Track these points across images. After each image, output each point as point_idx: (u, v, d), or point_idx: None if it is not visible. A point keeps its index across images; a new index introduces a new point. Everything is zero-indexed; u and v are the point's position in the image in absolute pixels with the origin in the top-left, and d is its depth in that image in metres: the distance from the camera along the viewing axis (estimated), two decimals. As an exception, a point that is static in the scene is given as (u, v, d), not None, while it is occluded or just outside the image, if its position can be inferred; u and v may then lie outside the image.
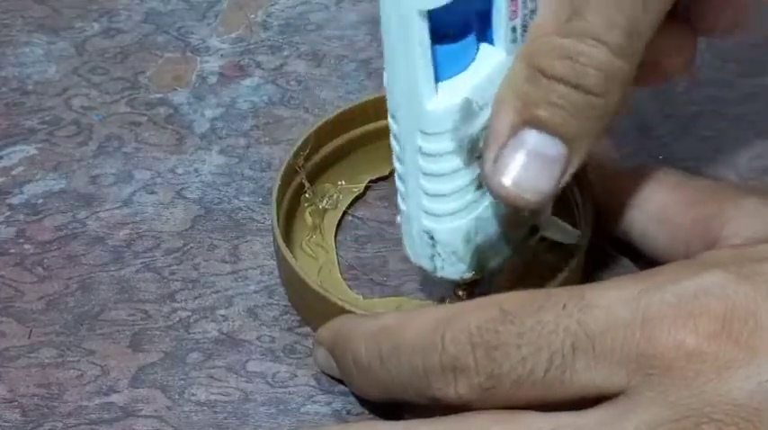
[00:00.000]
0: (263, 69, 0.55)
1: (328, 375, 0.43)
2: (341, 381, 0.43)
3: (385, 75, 0.39)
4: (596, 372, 0.35)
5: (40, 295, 0.46)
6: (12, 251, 0.48)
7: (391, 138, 0.40)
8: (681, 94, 0.53)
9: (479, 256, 0.42)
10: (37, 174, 0.51)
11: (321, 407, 0.43)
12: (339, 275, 0.47)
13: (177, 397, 0.43)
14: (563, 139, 0.37)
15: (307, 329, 0.45)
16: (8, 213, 0.49)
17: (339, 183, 0.49)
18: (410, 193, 0.41)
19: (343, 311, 0.42)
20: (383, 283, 0.47)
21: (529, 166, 0.37)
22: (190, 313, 0.46)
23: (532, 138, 0.37)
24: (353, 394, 0.43)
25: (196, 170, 0.51)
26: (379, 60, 0.55)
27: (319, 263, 0.47)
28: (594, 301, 0.36)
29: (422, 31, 0.36)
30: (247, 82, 0.54)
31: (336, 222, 0.48)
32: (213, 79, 0.54)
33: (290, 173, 0.47)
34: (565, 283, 0.42)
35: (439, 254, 0.41)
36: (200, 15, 0.57)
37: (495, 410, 0.37)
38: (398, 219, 0.42)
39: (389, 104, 0.39)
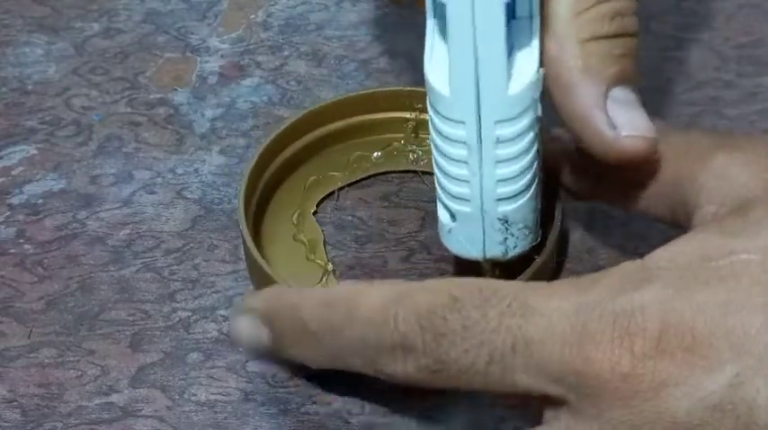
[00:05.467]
0: (263, 69, 0.55)
1: (243, 350, 0.43)
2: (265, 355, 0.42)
3: (446, 86, 0.39)
4: (534, 379, 0.35)
5: (40, 295, 0.46)
6: (12, 251, 0.48)
7: (444, 151, 0.40)
8: (680, 95, 0.53)
9: (539, 220, 0.43)
10: (37, 174, 0.51)
11: (321, 407, 0.43)
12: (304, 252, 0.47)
13: (177, 397, 0.43)
14: (633, 85, 0.41)
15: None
16: (8, 213, 0.49)
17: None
18: (484, 189, 0.41)
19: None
20: (383, 283, 0.46)
21: (633, 116, 0.41)
22: (190, 313, 0.46)
23: (618, 93, 0.41)
24: (285, 363, 0.43)
25: (196, 170, 0.51)
26: (379, 60, 0.55)
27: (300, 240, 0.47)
28: (537, 307, 0.36)
29: (502, 21, 0.37)
30: (247, 82, 0.54)
31: (320, 198, 0.49)
32: (213, 79, 0.54)
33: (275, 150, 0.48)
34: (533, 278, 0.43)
35: (512, 234, 0.42)
36: (201, 15, 0.57)
37: None
38: (449, 227, 0.42)
39: (452, 115, 0.39)
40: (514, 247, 0.42)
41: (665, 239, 0.37)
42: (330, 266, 0.46)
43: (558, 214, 0.45)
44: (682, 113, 0.52)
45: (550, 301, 0.36)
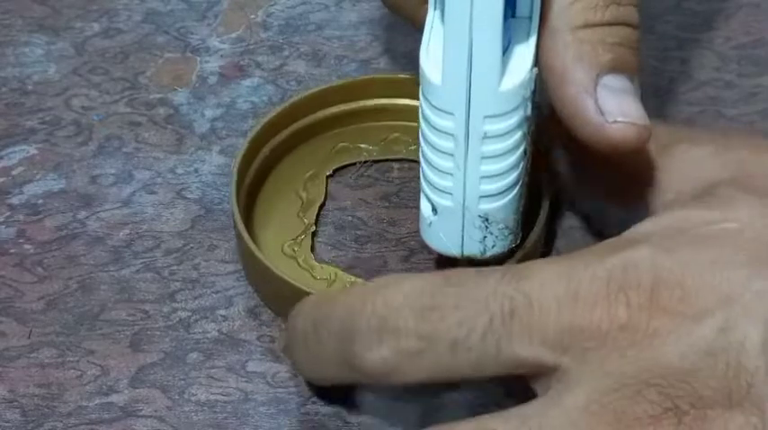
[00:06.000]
0: (263, 69, 0.55)
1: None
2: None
3: (439, 76, 0.39)
4: (532, 342, 0.36)
5: (40, 295, 0.46)
6: (12, 251, 0.48)
7: (431, 141, 0.40)
8: (681, 94, 0.53)
9: (521, 222, 0.43)
10: (37, 174, 0.51)
11: (321, 407, 0.43)
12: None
13: (177, 397, 0.43)
14: (628, 74, 0.41)
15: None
16: (8, 213, 0.49)
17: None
18: (467, 184, 0.41)
19: (283, 282, 0.43)
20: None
21: (624, 103, 0.40)
22: (190, 313, 0.46)
23: (611, 80, 0.40)
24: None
25: (196, 170, 0.51)
26: (379, 60, 0.55)
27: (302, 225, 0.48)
28: (532, 274, 0.36)
29: (500, 12, 0.38)
30: (247, 82, 0.54)
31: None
32: (213, 79, 0.54)
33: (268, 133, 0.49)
34: None
35: (491, 233, 0.42)
36: (200, 15, 0.57)
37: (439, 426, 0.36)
38: (430, 220, 0.42)
39: (441, 105, 0.40)
40: (493, 247, 0.42)
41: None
42: (313, 228, 0.48)
43: (544, 207, 0.45)
44: (682, 113, 0.52)
45: (545, 268, 0.36)
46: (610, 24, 0.40)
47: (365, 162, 0.50)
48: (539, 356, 0.36)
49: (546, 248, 0.47)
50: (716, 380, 0.34)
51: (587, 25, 0.40)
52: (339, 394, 0.42)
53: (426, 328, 0.36)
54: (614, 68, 0.40)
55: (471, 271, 0.37)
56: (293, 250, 0.47)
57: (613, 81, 0.40)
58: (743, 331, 0.34)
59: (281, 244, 0.47)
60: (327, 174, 0.49)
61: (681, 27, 0.56)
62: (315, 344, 0.39)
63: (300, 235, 0.47)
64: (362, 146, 0.50)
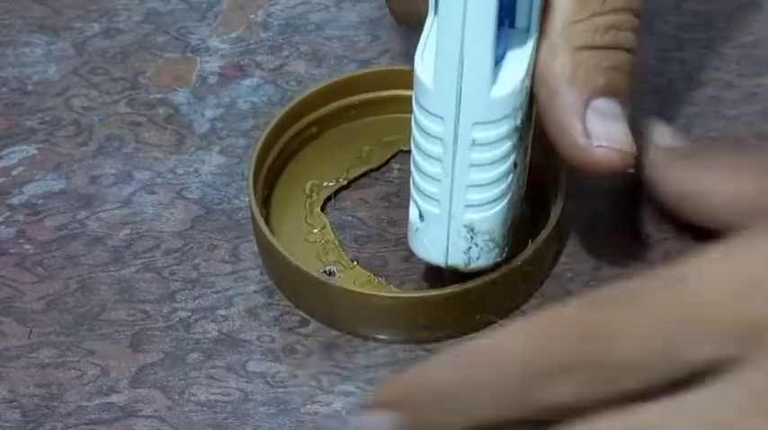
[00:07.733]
0: (262, 69, 0.54)
1: None
2: None
3: (431, 79, 0.39)
4: (709, 343, 0.34)
5: (40, 295, 0.46)
6: (12, 251, 0.48)
7: (421, 146, 0.40)
8: (680, 95, 0.53)
9: (508, 237, 0.42)
10: (37, 174, 0.51)
11: (321, 407, 0.43)
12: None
13: (177, 397, 0.43)
14: (619, 99, 0.41)
15: (307, 329, 0.45)
16: (8, 213, 0.49)
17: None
18: (454, 191, 0.41)
19: (297, 270, 0.44)
20: (383, 284, 0.46)
21: (611, 128, 0.41)
22: (190, 313, 0.46)
23: (600, 104, 0.41)
24: None
25: (196, 170, 0.51)
26: (379, 60, 0.55)
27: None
28: (695, 273, 0.35)
29: (493, 19, 0.38)
30: (247, 82, 0.54)
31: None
32: (213, 79, 0.54)
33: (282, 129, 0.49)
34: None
35: (476, 244, 0.42)
36: (200, 15, 0.57)
37: (608, 413, 0.34)
38: (416, 226, 0.42)
39: (432, 108, 0.40)
40: (477, 258, 0.42)
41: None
42: (344, 182, 0.49)
43: (554, 214, 0.45)
44: (682, 113, 0.52)
45: (707, 265, 0.35)
46: (607, 48, 0.41)
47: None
48: (713, 355, 0.34)
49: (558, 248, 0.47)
50: None
51: (586, 47, 0.40)
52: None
53: (603, 356, 0.34)
54: (605, 92, 0.41)
55: (627, 287, 0.35)
56: (312, 191, 0.48)
57: (603, 105, 0.41)
58: None
59: (309, 182, 0.48)
60: (404, 148, 0.49)
61: (681, 27, 0.56)
62: (473, 398, 0.35)
63: (330, 182, 0.48)
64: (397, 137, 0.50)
